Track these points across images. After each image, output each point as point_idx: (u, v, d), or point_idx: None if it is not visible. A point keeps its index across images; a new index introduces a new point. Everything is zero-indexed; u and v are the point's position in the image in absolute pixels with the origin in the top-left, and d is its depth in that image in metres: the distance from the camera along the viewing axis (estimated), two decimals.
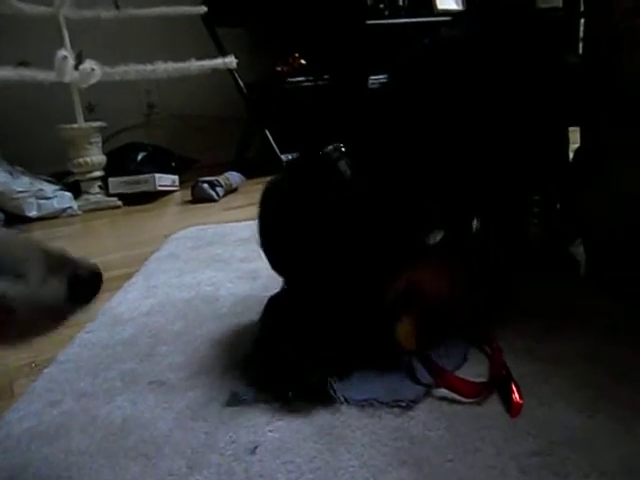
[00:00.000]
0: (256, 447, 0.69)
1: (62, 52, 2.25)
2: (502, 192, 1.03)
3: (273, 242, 0.90)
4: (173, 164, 2.74)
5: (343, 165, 0.86)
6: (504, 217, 1.08)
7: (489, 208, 1.06)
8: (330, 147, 0.88)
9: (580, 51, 1.25)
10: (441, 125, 0.91)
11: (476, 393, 0.75)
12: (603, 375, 0.79)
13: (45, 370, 0.94)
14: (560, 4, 2.51)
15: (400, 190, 0.87)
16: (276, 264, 0.91)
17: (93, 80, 2.33)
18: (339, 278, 0.83)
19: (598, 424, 0.69)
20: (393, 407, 0.75)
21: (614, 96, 1.05)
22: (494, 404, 0.75)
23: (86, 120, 2.45)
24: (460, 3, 3.13)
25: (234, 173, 2.59)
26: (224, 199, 2.40)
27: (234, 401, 0.79)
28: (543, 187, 1.25)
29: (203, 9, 2.65)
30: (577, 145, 1.19)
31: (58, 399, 0.84)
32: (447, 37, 1.06)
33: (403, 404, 0.75)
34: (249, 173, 2.69)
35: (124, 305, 1.20)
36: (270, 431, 0.72)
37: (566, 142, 1.21)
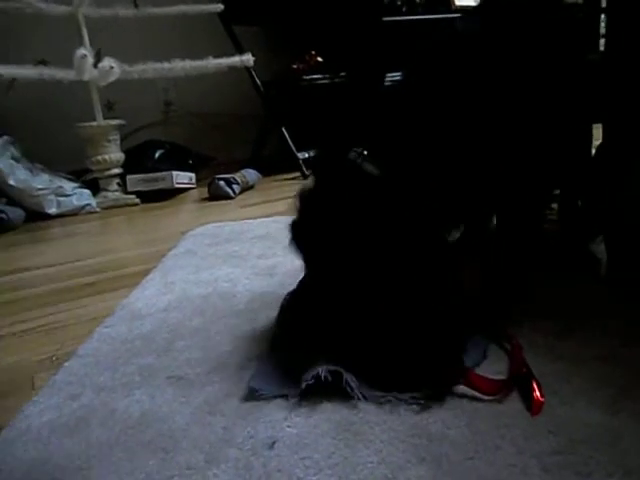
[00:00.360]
0: (274, 442, 0.69)
1: (81, 50, 2.28)
2: (521, 189, 1.02)
3: (310, 244, 0.89)
4: (190, 161, 2.75)
5: (369, 167, 0.86)
6: (522, 214, 1.07)
7: (507, 204, 1.05)
8: (352, 153, 0.87)
9: (601, 48, 1.23)
10: (461, 122, 0.90)
11: (496, 390, 0.74)
12: (622, 375, 0.78)
13: (65, 364, 0.95)
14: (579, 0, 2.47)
15: (422, 186, 0.86)
16: (313, 265, 0.90)
17: (112, 78, 2.35)
18: (374, 273, 0.83)
19: (620, 423, 0.68)
20: (411, 404, 0.74)
21: (637, 94, 1.03)
22: (514, 402, 0.74)
23: (105, 118, 2.47)
24: None
25: (251, 170, 2.59)
26: (240, 196, 2.40)
27: (252, 396, 0.79)
28: (564, 183, 1.23)
29: (220, 7, 2.66)
30: (599, 141, 1.17)
31: (78, 392, 0.85)
32: (465, 31, 1.05)
33: (421, 401, 0.74)
34: (266, 170, 2.70)
35: (142, 301, 1.20)
36: (288, 426, 0.72)
37: (589, 138, 1.20)
